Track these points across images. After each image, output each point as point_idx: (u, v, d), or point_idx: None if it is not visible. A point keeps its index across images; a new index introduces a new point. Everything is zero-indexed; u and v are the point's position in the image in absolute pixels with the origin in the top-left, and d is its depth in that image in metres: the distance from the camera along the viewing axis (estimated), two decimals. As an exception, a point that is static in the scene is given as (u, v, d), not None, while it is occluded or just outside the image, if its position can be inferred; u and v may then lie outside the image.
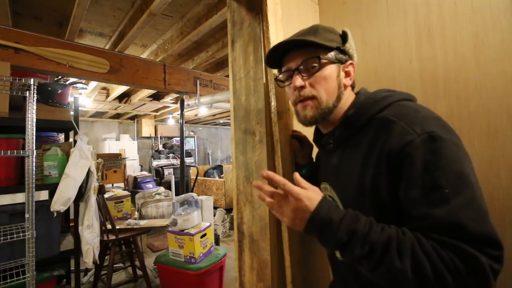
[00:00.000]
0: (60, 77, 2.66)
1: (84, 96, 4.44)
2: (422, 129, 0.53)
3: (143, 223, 2.73)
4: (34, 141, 1.44)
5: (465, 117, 0.90)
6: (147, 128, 7.42)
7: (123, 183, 4.53)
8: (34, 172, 1.44)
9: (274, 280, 0.88)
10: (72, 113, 2.07)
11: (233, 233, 2.36)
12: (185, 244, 2.17)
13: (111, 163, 4.19)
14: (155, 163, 6.99)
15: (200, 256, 2.17)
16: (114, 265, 2.55)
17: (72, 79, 2.94)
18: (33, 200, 1.43)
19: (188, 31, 2.47)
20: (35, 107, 1.46)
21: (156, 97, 5.02)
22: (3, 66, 1.62)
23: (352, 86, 0.74)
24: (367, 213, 0.59)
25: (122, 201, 3.17)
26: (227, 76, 3.39)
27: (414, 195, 0.52)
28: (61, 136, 2.50)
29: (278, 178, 0.58)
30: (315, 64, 0.67)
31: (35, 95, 1.46)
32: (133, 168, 6.47)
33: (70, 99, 2.16)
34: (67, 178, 1.78)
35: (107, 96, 4.70)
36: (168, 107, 5.87)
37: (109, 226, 2.41)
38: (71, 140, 2.29)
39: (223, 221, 4.12)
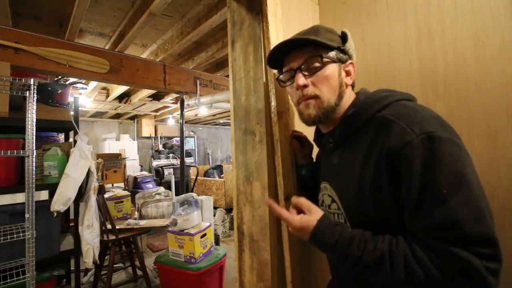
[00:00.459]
0: (60, 77, 2.66)
1: (84, 96, 4.44)
2: (421, 129, 0.54)
3: (143, 223, 2.73)
4: (34, 141, 1.44)
5: (465, 117, 0.90)
6: (147, 128, 7.42)
7: (123, 183, 4.53)
8: (34, 172, 1.44)
9: (274, 280, 0.88)
10: (72, 113, 2.08)
11: (233, 233, 2.36)
12: (185, 244, 2.17)
13: (111, 163, 4.19)
14: (155, 163, 6.99)
15: (200, 256, 2.17)
16: (114, 265, 2.55)
17: (72, 79, 2.94)
18: (33, 200, 1.43)
19: (188, 31, 2.47)
20: (35, 107, 1.46)
21: (156, 97, 5.02)
22: (3, 66, 1.62)
23: (352, 86, 0.74)
24: (368, 212, 0.59)
25: (122, 201, 3.17)
26: (227, 76, 3.39)
27: (412, 196, 0.52)
28: (61, 136, 2.50)
29: (275, 207, 0.67)
30: (317, 63, 0.67)
31: (35, 95, 1.46)
32: (133, 168, 6.47)
33: (70, 99, 2.16)
34: (67, 178, 1.78)
35: (107, 96, 4.70)
36: (168, 107, 5.87)
37: (109, 226, 2.41)
38: (71, 140, 2.29)
39: (223, 221, 4.12)
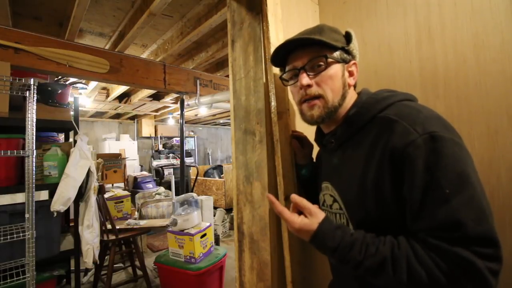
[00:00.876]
0: (60, 77, 2.66)
1: (84, 96, 4.44)
2: (423, 129, 0.54)
3: (143, 223, 2.73)
4: (34, 141, 1.44)
5: (465, 117, 0.90)
6: (147, 128, 7.42)
7: (123, 183, 4.53)
8: (34, 172, 1.44)
9: (274, 280, 0.88)
10: (72, 113, 2.07)
11: (233, 233, 2.36)
12: (185, 244, 2.17)
13: (111, 163, 4.19)
14: (155, 163, 6.99)
15: (200, 256, 2.17)
16: (114, 265, 2.55)
17: (72, 79, 2.93)
18: (33, 200, 1.43)
19: (188, 31, 2.47)
20: (35, 107, 1.46)
21: (156, 97, 5.02)
22: (3, 66, 1.62)
23: (354, 86, 0.74)
24: (370, 211, 0.59)
25: (122, 201, 3.17)
26: (227, 76, 3.39)
27: (414, 195, 0.52)
28: (61, 136, 2.50)
29: (277, 204, 0.65)
30: (322, 63, 0.67)
31: (35, 95, 1.46)
32: (133, 168, 6.47)
33: (70, 99, 2.16)
34: (67, 178, 1.78)
35: (107, 96, 4.70)
36: (168, 107, 5.87)
37: (109, 226, 2.41)
38: (71, 140, 2.29)
39: (223, 221, 4.12)
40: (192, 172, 6.15)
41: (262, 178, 0.92)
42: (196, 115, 6.71)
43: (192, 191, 3.54)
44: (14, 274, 1.43)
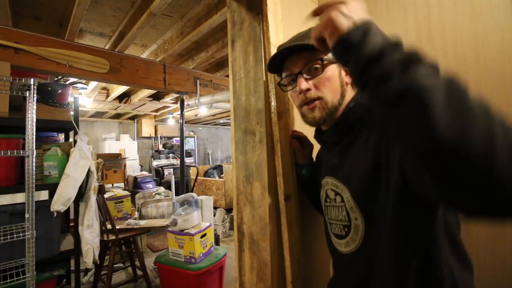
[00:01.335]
0: (60, 77, 2.66)
1: (84, 96, 4.44)
2: None
3: (143, 223, 2.73)
4: (34, 141, 1.44)
5: (465, 117, 0.90)
6: (147, 128, 7.42)
7: (123, 183, 4.53)
8: (34, 172, 1.44)
9: (274, 280, 0.88)
10: (72, 113, 2.08)
11: (233, 233, 2.36)
12: (185, 244, 2.17)
13: (111, 163, 4.19)
14: (155, 163, 6.99)
15: (200, 256, 2.17)
16: (114, 265, 2.55)
17: (72, 79, 2.94)
18: (33, 200, 1.43)
19: (188, 31, 2.47)
20: (35, 107, 1.46)
21: (156, 97, 5.02)
22: (3, 66, 1.62)
23: (352, 84, 0.74)
24: (381, 197, 0.59)
25: (122, 201, 3.17)
26: (227, 76, 3.39)
27: None
28: (61, 136, 2.50)
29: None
30: (318, 66, 0.69)
31: (35, 95, 1.46)
32: (133, 168, 6.47)
33: (70, 99, 2.16)
34: (67, 178, 1.78)
35: (107, 96, 4.70)
36: (168, 107, 5.87)
37: (109, 226, 2.41)
38: (71, 140, 2.29)
39: (223, 221, 4.12)
40: (192, 172, 6.15)
41: (262, 178, 0.92)
42: (196, 115, 6.71)
43: (192, 191, 3.54)
44: (14, 274, 1.43)
